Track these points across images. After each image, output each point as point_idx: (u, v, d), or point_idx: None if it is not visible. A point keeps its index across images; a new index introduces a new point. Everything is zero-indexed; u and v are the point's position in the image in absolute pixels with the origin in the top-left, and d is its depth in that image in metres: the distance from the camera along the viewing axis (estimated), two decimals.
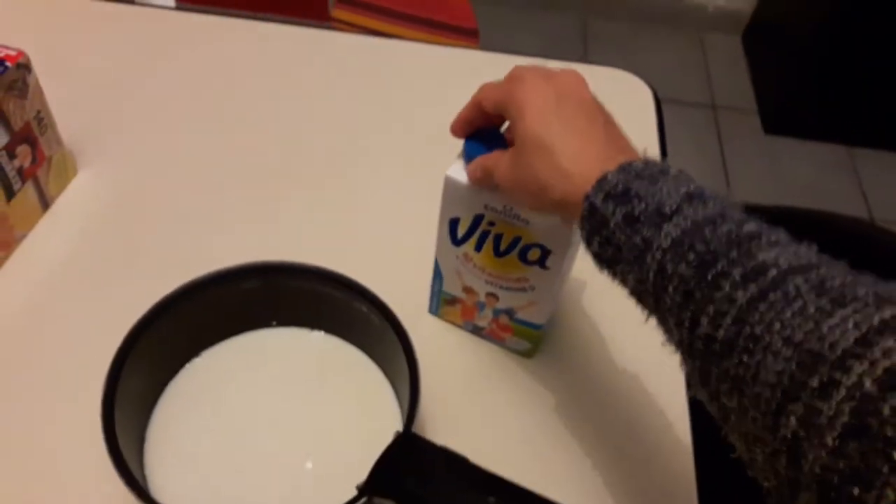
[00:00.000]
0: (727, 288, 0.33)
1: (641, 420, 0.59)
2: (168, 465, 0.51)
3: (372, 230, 0.70)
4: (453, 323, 0.64)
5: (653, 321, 0.40)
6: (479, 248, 0.55)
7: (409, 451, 0.44)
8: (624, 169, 0.39)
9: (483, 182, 0.50)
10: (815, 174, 1.85)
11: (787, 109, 1.93)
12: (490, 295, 0.58)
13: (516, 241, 0.53)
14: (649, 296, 0.38)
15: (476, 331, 0.63)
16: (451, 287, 0.60)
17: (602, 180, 0.39)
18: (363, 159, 0.76)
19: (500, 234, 0.53)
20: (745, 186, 1.79)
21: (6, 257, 0.64)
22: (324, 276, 0.54)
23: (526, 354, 0.62)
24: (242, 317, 0.57)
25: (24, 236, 0.65)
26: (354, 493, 0.44)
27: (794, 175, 1.84)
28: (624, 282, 0.40)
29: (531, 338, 0.61)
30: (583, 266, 0.56)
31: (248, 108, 0.80)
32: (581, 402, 0.60)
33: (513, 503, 0.40)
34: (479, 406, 0.59)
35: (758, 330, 0.32)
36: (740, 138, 1.92)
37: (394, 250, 0.67)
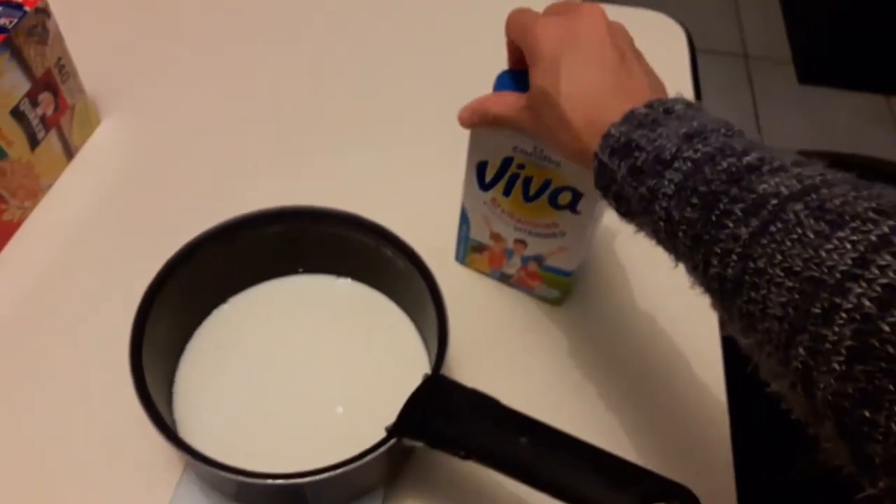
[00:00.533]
0: (731, 226, 0.33)
1: (673, 368, 0.58)
2: (197, 412, 0.51)
3: (397, 177, 0.69)
4: (480, 271, 0.63)
5: (682, 267, 0.39)
6: (507, 192, 0.54)
7: (438, 393, 0.43)
8: (627, 118, 0.38)
9: (475, 124, 0.48)
10: (852, 125, 1.79)
11: (824, 57, 1.87)
12: (519, 241, 0.57)
13: (546, 184, 0.52)
14: (667, 243, 0.38)
15: (504, 279, 0.62)
16: (479, 234, 0.59)
17: (606, 135, 0.38)
18: (389, 102, 0.75)
19: (530, 178, 0.52)
20: (780, 139, 1.74)
21: (33, 207, 0.64)
22: (350, 221, 0.53)
23: (554, 302, 0.61)
24: (268, 263, 0.56)
25: (49, 186, 0.65)
26: (384, 435, 0.44)
27: (831, 126, 1.79)
28: (645, 233, 0.40)
29: (560, 285, 0.59)
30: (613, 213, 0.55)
31: (272, 53, 0.79)
32: (611, 351, 0.59)
33: (546, 444, 0.40)
34: (506, 355, 0.58)
35: (761, 264, 0.31)
36: (774, 89, 1.87)
37: (420, 197, 0.66)
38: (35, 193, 0.64)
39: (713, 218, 0.34)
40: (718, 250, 0.33)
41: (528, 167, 0.51)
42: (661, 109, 0.38)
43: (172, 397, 0.52)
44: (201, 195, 0.66)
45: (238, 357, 0.54)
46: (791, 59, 1.92)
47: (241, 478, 0.42)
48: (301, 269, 0.57)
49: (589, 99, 0.40)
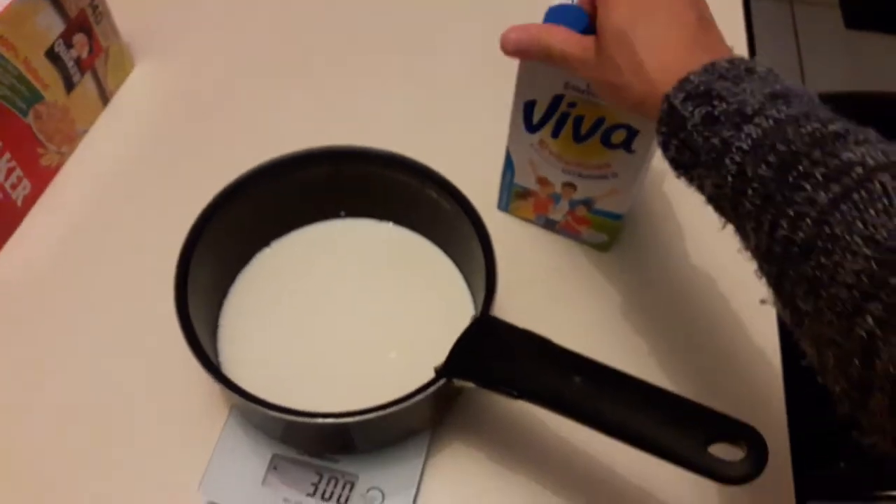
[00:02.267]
0: (809, 189, 0.32)
1: (724, 314, 0.56)
2: (242, 357, 0.50)
3: (437, 123, 0.67)
4: (524, 218, 0.61)
5: (729, 228, 0.39)
6: (556, 133, 0.52)
7: (488, 334, 0.42)
8: (707, 69, 0.37)
9: (523, 53, 0.46)
10: None
11: (870, 2, 1.80)
12: (567, 185, 0.55)
13: (599, 122, 0.50)
14: (727, 201, 0.37)
15: (549, 225, 0.60)
16: (524, 179, 0.57)
17: (684, 81, 0.37)
18: (432, 40, 0.72)
19: (581, 117, 0.50)
20: (824, 83, 1.68)
21: (70, 152, 0.63)
22: (394, 161, 0.52)
23: (601, 248, 0.60)
24: (310, 206, 0.55)
25: (85, 132, 0.65)
26: (431, 376, 0.43)
27: (878, 73, 1.72)
28: (701, 188, 0.39)
29: (609, 229, 0.58)
30: None
31: None
32: (660, 297, 0.57)
33: (602, 383, 0.39)
34: (552, 302, 0.57)
35: (838, 230, 0.31)
36: (819, 33, 1.80)
37: (459, 145, 0.64)
38: (72, 139, 0.63)
39: (790, 179, 0.33)
40: (791, 212, 0.33)
41: (580, 105, 0.49)
42: (744, 68, 0.37)
43: (217, 343, 0.51)
44: (239, 138, 0.64)
45: (281, 300, 0.53)
46: (837, 3, 1.85)
47: (287, 416, 0.42)
48: (343, 213, 0.56)
49: (666, 44, 0.39)
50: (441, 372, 0.42)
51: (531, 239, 0.61)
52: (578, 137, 0.51)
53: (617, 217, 0.56)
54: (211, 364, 0.43)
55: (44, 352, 0.53)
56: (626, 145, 0.50)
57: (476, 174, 0.57)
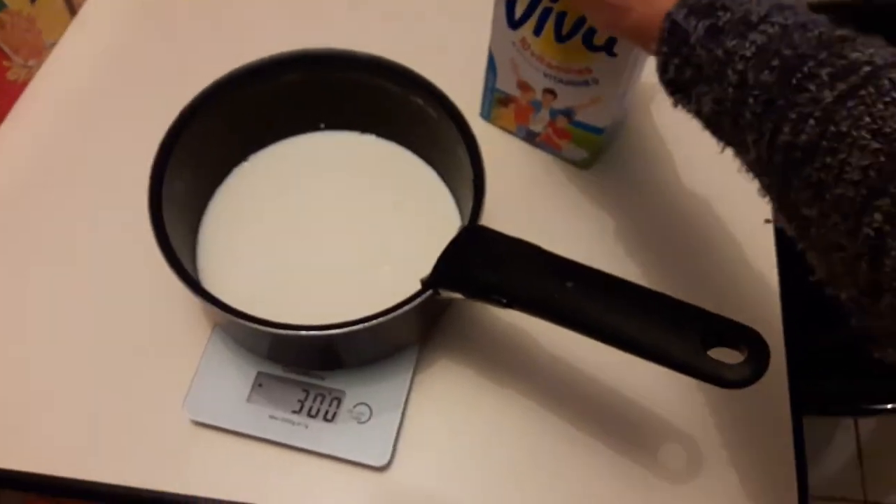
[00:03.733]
0: (813, 89, 0.31)
1: (710, 235, 0.55)
2: (222, 274, 0.50)
3: (418, 23, 0.65)
4: (506, 129, 0.60)
5: (717, 156, 0.38)
6: (538, 31, 0.50)
7: (476, 243, 0.41)
8: None
9: None
10: None
11: None
12: (548, 91, 0.54)
13: (582, 21, 0.48)
14: (726, 116, 0.35)
15: (530, 137, 0.59)
16: (505, 83, 0.56)
17: None
18: None
19: (563, 14, 0.48)
20: None
21: (38, 66, 0.60)
22: (376, 65, 0.50)
23: (583, 165, 0.58)
24: (287, 118, 0.53)
25: (52, 44, 0.62)
26: (418, 288, 0.42)
27: None
28: (699, 108, 0.38)
29: (590, 145, 0.56)
30: (653, 68, 0.51)
31: None
32: (640, 217, 0.56)
33: (594, 287, 0.38)
34: (531, 217, 0.55)
35: (844, 127, 0.30)
36: None
37: (442, 48, 0.61)
38: (38, 51, 0.60)
39: (793, 81, 0.32)
40: (793, 115, 0.31)
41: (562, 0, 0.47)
42: None
43: (196, 260, 0.50)
44: (212, 48, 0.62)
45: (262, 215, 0.52)
46: None
47: (270, 329, 0.41)
48: (323, 125, 0.55)
49: None
50: (427, 283, 0.41)
51: (512, 153, 0.59)
52: (560, 37, 0.50)
53: (598, 131, 0.55)
54: (189, 277, 0.42)
55: (13, 272, 0.52)
56: (608, 48, 0.48)
57: (457, 85, 0.55)
